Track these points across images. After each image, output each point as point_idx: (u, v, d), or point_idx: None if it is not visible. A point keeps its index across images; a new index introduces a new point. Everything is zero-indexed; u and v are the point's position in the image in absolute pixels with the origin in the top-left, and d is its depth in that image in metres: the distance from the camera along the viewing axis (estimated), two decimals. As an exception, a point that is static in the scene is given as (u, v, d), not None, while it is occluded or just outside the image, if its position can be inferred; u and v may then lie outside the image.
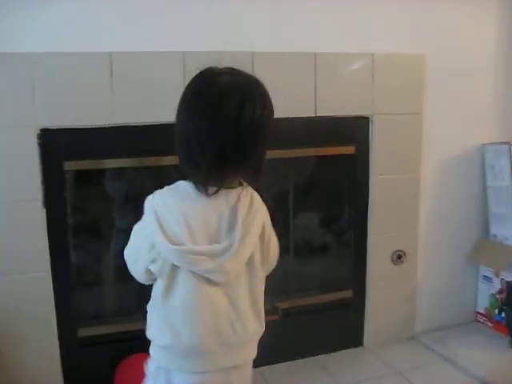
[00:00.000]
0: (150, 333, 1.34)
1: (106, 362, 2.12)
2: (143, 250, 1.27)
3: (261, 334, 1.41)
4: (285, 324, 2.36)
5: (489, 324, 2.67)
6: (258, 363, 2.27)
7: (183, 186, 1.28)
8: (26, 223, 1.96)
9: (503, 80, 2.64)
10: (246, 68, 2.05)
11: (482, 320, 2.71)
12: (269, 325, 2.31)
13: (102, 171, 2.17)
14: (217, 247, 1.23)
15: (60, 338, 2.07)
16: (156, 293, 1.31)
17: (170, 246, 1.20)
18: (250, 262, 1.30)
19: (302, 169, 2.46)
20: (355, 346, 2.54)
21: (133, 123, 2.02)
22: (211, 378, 1.32)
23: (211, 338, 1.28)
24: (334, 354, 2.47)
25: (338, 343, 2.50)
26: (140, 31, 2.01)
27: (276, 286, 2.43)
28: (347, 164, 2.42)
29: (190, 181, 1.27)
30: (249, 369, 1.46)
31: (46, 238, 1.99)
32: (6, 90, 1.88)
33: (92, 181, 2.23)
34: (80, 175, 2.13)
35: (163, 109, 2.03)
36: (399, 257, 2.49)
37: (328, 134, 2.31)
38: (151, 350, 1.35)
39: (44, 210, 1.98)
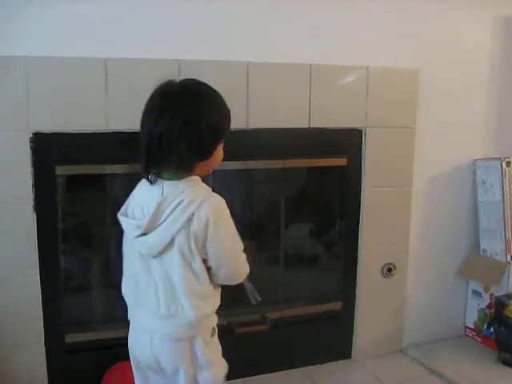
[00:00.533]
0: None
1: (93, 369, 2.10)
2: None
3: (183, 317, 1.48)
4: (273, 334, 2.36)
5: (477, 339, 2.67)
6: (246, 373, 2.31)
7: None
8: (15, 227, 1.95)
9: (497, 96, 2.65)
10: (241, 78, 2.07)
11: (470, 334, 2.72)
12: (258, 335, 2.35)
13: (94, 176, 2.16)
14: (143, 221, 1.44)
15: (47, 343, 2.06)
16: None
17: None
18: (170, 246, 1.44)
19: (294, 180, 2.47)
20: (343, 358, 2.53)
21: (126, 129, 2.02)
22: None
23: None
24: (322, 366, 2.46)
25: (327, 355, 2.49)
26: (136, 37, 2.01)
27: (265, 296, 2.44)
28: (339, 176, 2.42)
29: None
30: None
31: (36, 242, 1.98)
32: (1, 93, 1.88)
33: (83, 186, 2.22)
34: (71, 180, 2.12)
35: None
36: (389, 270, 2.50)
37: (321, 146, 2.32)
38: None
39: (34, 214, 1.97)
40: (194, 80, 1.50)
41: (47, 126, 1.94)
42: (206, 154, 1.46)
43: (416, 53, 2.41)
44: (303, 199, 2.51)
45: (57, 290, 2.07)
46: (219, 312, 1.53)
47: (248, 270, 1.56)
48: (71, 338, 2.13)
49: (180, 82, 1.48)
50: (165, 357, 1.49)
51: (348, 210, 2.44)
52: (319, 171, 2.44)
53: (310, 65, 2.24)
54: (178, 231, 1.42)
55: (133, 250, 1.51)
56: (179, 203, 1.42)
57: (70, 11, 1.93)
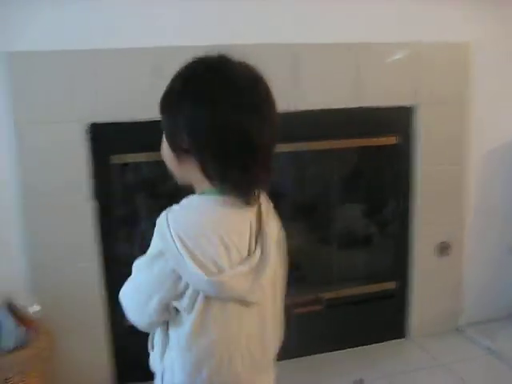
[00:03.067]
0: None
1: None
2: (163, 285, 1.06)
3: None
4: (328, 314, 2.38)
5: (536, 317, 2.63)
6: (301, 352, 2.34)
7: (203, 200, 1.09)
8: (75, 215, 2.02)
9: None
10: (289, 60, 2.06)
11: (528, 313, 2.68)
12: (312, 315, 2.36)
13: (149, 164, 2.21)
14: (253, 262, 1.07)
15: (109, 325, 2.14)
16: (181, 334, 1.09)
17: (206, 277, 1.00)
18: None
19: (345, 160, 2.46)
20: (399, 338, 2.54)
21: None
22: None
23: (246, 367, 1.14)
24: (377, 345, 2.48)
25: (382, 334, 2.50)
26: (183, 25, 2.04)
27: (320, 276, 2.46)
28: (391, 154, 2.40)
29: (216, 190, 1.07)
30: None
31: (95, 228, 2.05)
32: (57, 86, 1.94)
33: (138, 174, 2.27)
34: (126, 168, 2.18)
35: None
36: (444, 248, 2.47)
37: (371, 125, 2.30)
38: None
39: (92, 202, 2.03)
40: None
41: (102, 117, 1.99)
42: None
43: (467, 26, 2.35)
44: (354, 179, 2.50)
45: (116, 274, 2.14)
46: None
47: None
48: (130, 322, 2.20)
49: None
50: None
51: (400, 188, 2.42)
52: (370, 151, 2.42)
53: (358, 43, 2.22)
54: None
55: None
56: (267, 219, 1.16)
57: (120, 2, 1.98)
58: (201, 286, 1.03)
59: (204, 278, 1.00)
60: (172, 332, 1.12)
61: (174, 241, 1.01)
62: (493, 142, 2.53)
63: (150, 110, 1.99)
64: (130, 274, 2.21)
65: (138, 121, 2.02)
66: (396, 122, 2.35)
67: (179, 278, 1.03)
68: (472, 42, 2.36)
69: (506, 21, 2.43)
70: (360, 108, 2.25)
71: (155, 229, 1.06)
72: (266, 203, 1.16)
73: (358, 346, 2.44)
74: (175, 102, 1.10)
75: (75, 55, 1.93)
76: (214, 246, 1.02)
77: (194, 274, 1.01)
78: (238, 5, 2.09)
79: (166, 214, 1.06)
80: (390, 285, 2.49)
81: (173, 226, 1.03)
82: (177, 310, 1.09)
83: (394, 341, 2.52)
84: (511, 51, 2.46)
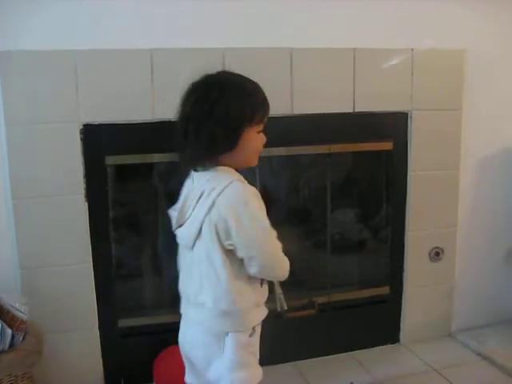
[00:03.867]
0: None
1: (146, 353, 2.15)
2: None
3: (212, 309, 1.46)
4: (321, 319, 2.38)
5: (528, 323, 2.64)
6: (294, 357, 2.34)
7: None
8: (68, 216, 2.01)
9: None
10: (285, 64, 2.07)
11: (521, 319, 2.69)
12: (305, 320, 2.36)
13: (143, 165, 2.21)
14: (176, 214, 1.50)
15: (101, 328, 2.12)
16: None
17: None
18: (199, 237, 1.43)
19: (340, 164, 2.46)
20: (391, 343, 2.54)
21: (173, 118, 2.04)
22: None
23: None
24: (370, 350, 2.48)
25: (375, 339, 2.50)
26: (180, 27, 2.05)
27: (313, 281, 2.46)
28: (385, 160, 2.41)
29: None
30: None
31: (88, 230, 2.04)
32: (51, 87, 1.93)
33: (132, 175, 2.26)
34: (121, 169, 2.17)
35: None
36: (437, 254, 2.48)
37: (366, 130, 2.30)
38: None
39: (86, 204, 2.03)
40: (229, 71, 1.52)
41: (96, 118, 1.99)
42: (229, 142, 1.41)
43: (462, 33, 2.37)
44: (349, 184, 2.51)
45: (109, 276, 2.13)
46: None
47: (287, 262, 1.47)
48: (124, 323, 2.20)
49: (215, 72, 1.50)
50: (196, 346, 1.51)
51: (394, 194, 2.43)
52: (365, 156, 2.43)
53: (354, 49, 2.23)
54: (203, 222, 1.40)
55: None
56: (202, 193, 1.41)
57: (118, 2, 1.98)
58: None
59: None
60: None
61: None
62: (487, 148, 2.54)
63: (145, 112, 2.02)
64: (124, 275, 2.20)
65: (134, 122, 2.02)
66: (392, 127, 2.36)
67: None
68: (467, 49, 2.37)
69: (500, 28, 2.44)
70: (356, 113, 2.26)
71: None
72: (211, 181, 1.44)
73: (350, 351, 2.44)
74: None
75: (70, 55, 1.92)
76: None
77: None
78: (234, 8, 2.09)
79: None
80: (384, 290, 2.49)
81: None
82: None
83: (386, 346, 2.52)
84: (506, 58, 2.46)
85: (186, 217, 1.46)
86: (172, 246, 2.31)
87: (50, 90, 1.93)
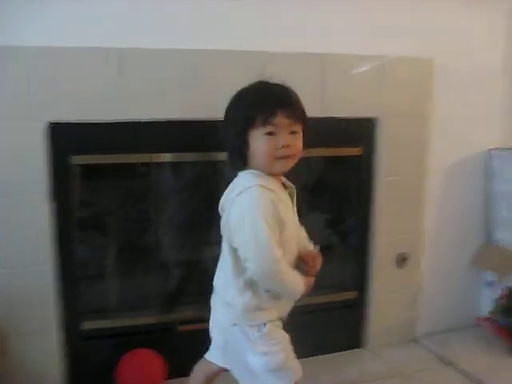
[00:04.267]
0: None
1: (108, 356, 2.12)
2: None
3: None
4: (287, 323, 2.36)
5: (491, 329, 2.66)
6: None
7: None
8: (32, 216, 1.98)
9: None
10: (257, 67, 2.06)
11: (484, 325, 2.70)
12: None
13: (109, 166, 2.18)
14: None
15: (63, 330, 2.09)
16: None
17: None
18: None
19: (308, 169, 2.46)
20: (357, 347, 2.55)
21: (139, 119, 2.03)
22: None
23: None
24: (336, 355, 2.48)
25: (341, 344, 2.51)
26: (145, 27, 2.03)
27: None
28: (354, 165, 2.42)
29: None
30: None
31: (52, 230, 2.01)
32: (15, 85, 1.90)
33: (99, 175, 2.23)
34: (87, 169, 2.14)
35: (168, 105, 2.07)
36: (403, 259, 2.50)
37: (335, 135, 2.30)
38: None
39: (49, 204, 1.99)
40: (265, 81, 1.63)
41: (62, 116, 1.95)
42: (235, 144, 1.55)
43: (430, 41, 2.38)
44: (318, 189, 2.50)
45: (72, 278, 2.10)
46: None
47: (290, 281, 1.59)
48: (87, 325, 2.16)
49: None
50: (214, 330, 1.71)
51: (362, 199, 2.44)
52: (334, 161, 2.44)
53: (324, 54, 2.23)
54: (225, 218, 1.58)
55: None
56: (229, 193, 1.57)
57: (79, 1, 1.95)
58: None
59: None
60: None
61: None
62: (454, 156, 2.58)
63: (113, 112, 2.00)
64: (89, 276, 2.16)
65: (100, 122, 2.00)
66: (360, 133, 2.37)
67: None
68: (437, 58, 2.40)
69: (469, 38, 2.48)
70: (325, 118, 2.26)
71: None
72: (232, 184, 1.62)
73: (316, 355, 2.43)
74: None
75: (35, 51, 1.89)
76: None
77: None
78: (204, 11, 2.08)
79: None
80: (351, 294, 2.50)
81: None
82: None
83: (352, 350, 2.53)
84: (473, 68, 2.49)
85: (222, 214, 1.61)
86: (137, 247, 2.30)
87: (13, 88, 1.89)
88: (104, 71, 1.98)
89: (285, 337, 1.67)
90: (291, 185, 1.68)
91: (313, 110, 2.21)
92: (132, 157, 2.11)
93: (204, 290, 2.39)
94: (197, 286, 2.35)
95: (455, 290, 2.70)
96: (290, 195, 1.66)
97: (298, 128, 1.56)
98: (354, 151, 2.37)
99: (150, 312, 2.26)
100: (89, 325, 2.17)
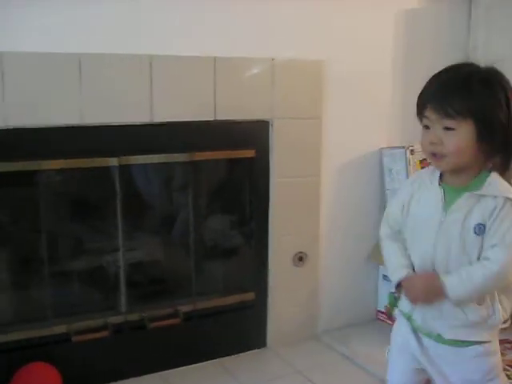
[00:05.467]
0: None
1: (2, 372, 2.04)
2: None
3: None
4: (187, 327, 2.36)
5: (389, 322, 2.74)
6: (160, 367, 2.31)
7: None
8: None
9: (401, 85, 2.72)
10: (144, 71, 2.05)
11: (382, 318, 2.80)
12: (170, 328, 2.34)
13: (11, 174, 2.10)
14: None
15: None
16: None
17: None
18: None
19: (204, 173, 2.47)
20: (259, 348, 2.56)
21: (26, 125, 1.98)
22: None
23: None
24: (237, 356, 2.49)
25: (242, 345, 2.52)
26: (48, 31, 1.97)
27: (177, 289, 2.45)
28: (248, 167, 2.43)
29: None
30: None
31: None
32: None
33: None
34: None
35: (57, 111, 2.02)
36: (300, 258, 2.54)
37: (229, 138, 2.32)
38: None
39: None
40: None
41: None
42: None
43: (320, 44, 2.44)
44: (213, 192, 2.52)
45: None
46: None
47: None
48: (-22, 341, 2.08)
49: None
50: None
51: (257, 200, 2.46)
52: (228, 163, 2.46)
53: (215, 57, 2.24)
54: None
55: None
56: None
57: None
58: None
59: None
60: None
61: None
62: (346, 155, 2.64)
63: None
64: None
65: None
66: (253, 135, 2.39)
67: None
68: (326, 60, 2.46)
69: (358, 40, 2.55)
70: (218, 121, 2.27)
71: None
72: None
73: (218, 358, 2.44)
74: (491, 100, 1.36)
75: None
76: None
77: None
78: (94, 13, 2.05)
79: None
80: (249, 296, 2.51)
81: None
82: None
83: (253, 351, 2.54)
84: (362, 68, 2.56)
85: None
86: (33, 259, 2.22)
87: None
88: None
89: None
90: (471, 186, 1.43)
91: (206, 113, 2.26)
92: (20, 164, 2.03)
93: (99, 299, 2.36)
94: (91, 295, 2.32)
95: (354, 286, 2.77)
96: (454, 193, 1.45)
97: (455, 125, 1.36)
98: (248, 153, 2.38)
99: (42, 324, 2.18)
100: (-21, 341, 2.08)
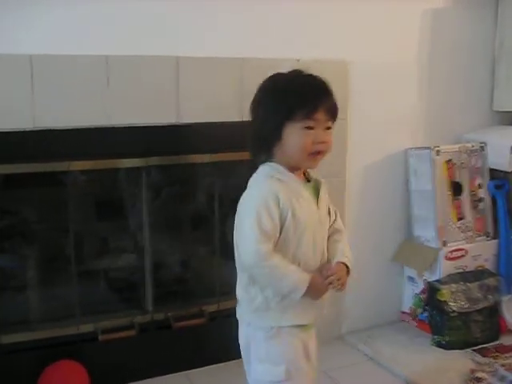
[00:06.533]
0: None
1: (31, 369, 2.07)
2: None
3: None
4: (212, 327, 2.37)
5: (413, 323, 2.75)
6: (185, 366, 2.32)
7: None
8: None
9: (426, 85, 2.72)
10: (171, 72, 2.05)
11: (406, 319, 2.79)
12: (196, 328, 2.35)
13: (29, 175, 2.13)
14: None
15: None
16: None
17: None
18: None
19: (229, 173, 2.47)
20: (283, 347, 2.56)
21: (56, 127, 2.00)
22: None
23: None
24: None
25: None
26: (57, 32, 1.99)
27: (202, 289, 2.45)
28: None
29: None
30: None
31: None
32: None
33: (18, 184, 2.18)
34: (6, 179, 2.09)
35: (85, 113, 2.04)
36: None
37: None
38: None
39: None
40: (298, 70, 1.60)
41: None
42: (268, 134, 1.52)
43: (345, 44, 2.45)
44: (240, 192, 2.52)
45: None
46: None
47: (276, 275, 1.48)
48: (7, 339, 2.11)
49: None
50: None
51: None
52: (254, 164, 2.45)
53: (242, 58, 2.25)
54: None
55: None
56: None
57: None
58: None
59: None
60: None
61: None
62: (372, 156, 2.64)
63: (27, 120, 1.95)
64: (8, 287, 2.09)
65: (17, 130, 1.95)
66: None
67: None
68: (352, 60, 2.45)
69: (384, 39, 2.55)
70: (245, 122, 2.25)
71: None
72: None
73: (239, 359, 2.44)
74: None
75: None
76: None
77: None
78: (120, 14, 2.07)
79: None
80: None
81: None
82: None
83: (278, 351, 2.54)
84: (388, 68, 2.57)
85: None
86: (58, 256, 2.25)
87: None
88: (15, 78, 1.94)
89: (294, 349, 1.58)
90: (318, 178, 1.66)
91: (233, 114, 2.26)
92: (49, 165, 2.07)
93: (125, 298, 2.38)
94: (118, 294, 2.34)
95: (378, 287, 2.76)
96: (315, 189, 1.63)
97: (332, 124, 1.54)
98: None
99: (70, 322, 2.21)
100: (8, 338, 2.11)
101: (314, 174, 1.65)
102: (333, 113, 1.52)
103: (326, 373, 2.36)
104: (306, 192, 1.57)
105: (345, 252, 1.65)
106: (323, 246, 1.62)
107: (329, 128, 1.52)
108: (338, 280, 1.58)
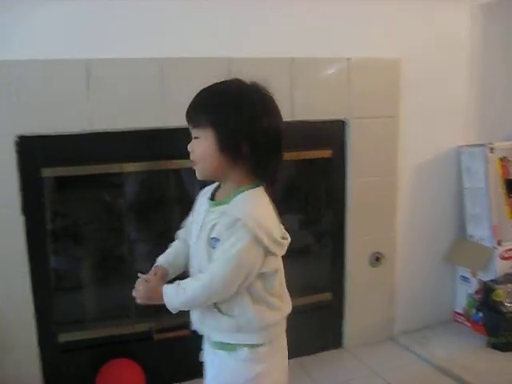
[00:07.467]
0: None
1: (88, 367, 2.12)
2: None
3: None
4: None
5: (467, 324, 2.70)
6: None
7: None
8: (4, 230, 1.97)
9: (478, 82, 2.67)
10: (224, 75, 2.07)
11: (460, 320, 2.75)
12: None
13: (82, 177, 2.17)
14: None
15: (40, 343, 2.08)
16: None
17: None
18: None
19: (281, 173, 2.47)
20: (335, 348, 2.56)
21: (109, 129, 2.03)
22: None
23: None
24: (313, 356, 2.49)
25: (318, 345, 2.53)
26: (111, 38, 2.03)
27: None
28: (325, 167, 2.44)
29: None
30: None
31: (25, 244, 2.00)
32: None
33: (70, 187, 2.23)
34: (58, 181, 2.14)
35: (138, 115, 2.07)
36: (377, 259, 2.52)
37: (306, 138, 2.32)
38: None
39: (22, 217, 1.98)
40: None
41: (31, 129, 1.95)
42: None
43: (396, 42, 2.43)
44: (291, 191, 2.52)
45: (48, 290, 2.09)
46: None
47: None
48: (64, 338, 2.15)
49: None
50: None
51: (334, 200, 2.46)
52: (305, 164, 2.45)
53: (292, 58, 2.25)
54: None
55: None
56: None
57: (51, 13, 1.95)
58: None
59: None
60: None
61: None
62: (423, 154, 2.61)
63: (82, 123, 2.00)
64: (64, 288, 2.14)
65: (70, 133, 1.99)
66: (330, 135, 2.39)
67: None
68: (402, 58, 2.43)
69: (433, 37, 2.52)
70: (295, 121, 2.27)
71: None
72: None
73: (295, 357, 2.44)
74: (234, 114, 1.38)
75: (4, 65, 1.89)
76: None
77: None
78: (172, 18, 2.10)
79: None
80: (326, 296, 2.52)
81: None
82: None
83: (330, 351, 2.55)
84: (438, 66, 2.54)
85: None
86: (111, 257, 2.29)
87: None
88: (71, 83, 1.98)
89: None
90: (230, 208, 1.41)
91: (283, 113, 2.26)
92: (102, 167, 2.10)
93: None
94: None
95: (431, 287, 2.73)
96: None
97: (197, 133, 1.42)
98: (325, 153, 2.39)
99: (125, 321, 2.24)
100: (65, 337, 2.15)
101: (235, 202, 1.41)
102: (190, 121, 1.44)
103: (378, 374, 2.34)
104: (203, 209, 1.49)
105: (179, 283, 1.45)
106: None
107: (196, 138, 1.42)
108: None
